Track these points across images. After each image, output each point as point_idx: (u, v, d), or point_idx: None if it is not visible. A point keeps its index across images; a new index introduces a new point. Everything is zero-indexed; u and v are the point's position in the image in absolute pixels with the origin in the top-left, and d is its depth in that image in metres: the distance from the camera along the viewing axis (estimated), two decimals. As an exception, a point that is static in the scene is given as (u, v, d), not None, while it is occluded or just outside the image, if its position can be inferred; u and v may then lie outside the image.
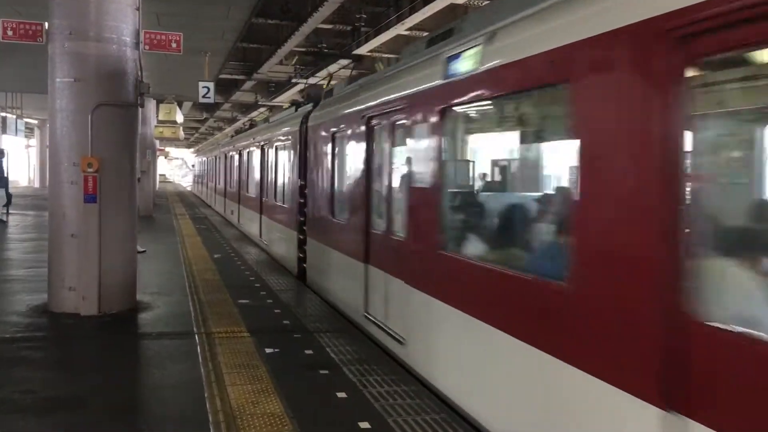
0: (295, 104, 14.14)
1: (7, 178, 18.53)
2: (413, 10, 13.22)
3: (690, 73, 2.87)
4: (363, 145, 7.44)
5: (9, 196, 18.50)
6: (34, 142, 39.71)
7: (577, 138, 3.58)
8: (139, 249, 12.26)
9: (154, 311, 7.89)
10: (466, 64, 5.00)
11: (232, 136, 25.06)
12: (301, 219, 10.64)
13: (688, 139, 2.86)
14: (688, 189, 2.86)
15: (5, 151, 19.90)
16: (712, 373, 2.68)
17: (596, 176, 3.45)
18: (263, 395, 5.03)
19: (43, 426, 4.53)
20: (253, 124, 23.06)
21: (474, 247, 5.36)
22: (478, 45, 4.86)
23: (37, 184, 36.70)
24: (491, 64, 4.63)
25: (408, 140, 6.13)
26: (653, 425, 2.93)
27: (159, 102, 24.46)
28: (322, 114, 9.76)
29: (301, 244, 10.64)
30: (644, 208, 3.07)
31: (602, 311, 3.35)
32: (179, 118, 24.23)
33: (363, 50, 16.96)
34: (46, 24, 7.71)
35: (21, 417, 4.65)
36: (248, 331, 6.93)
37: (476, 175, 5.98)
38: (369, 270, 7.20)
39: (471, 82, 4.89)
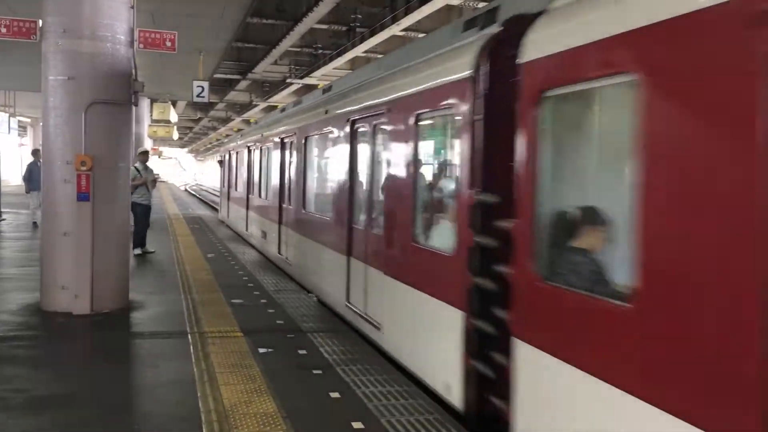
0: None
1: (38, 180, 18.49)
2: (409, 11, 13.22)
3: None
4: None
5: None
6: (27, 140, 39.51)
7: None
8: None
9: (147, 310, 7.86)
10: None
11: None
12: None
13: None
14: None
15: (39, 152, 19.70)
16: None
17: None
18: (256, 395, 5.02)
19: (34, 425, 4.50)
20: None
21: None
22: None
23: (29, 183, 36.44)
24: None
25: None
26: None
27: (153, 101, 24.41)
28: None
29: None
30: None
31: None
32: (173, 117, 24.23)
33: (359, 50, 16.96)
34: (40, 21, 7.68)
35: (12, 416, 4.63)
36: (242, 331, 6.91)
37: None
38: None
39: None
